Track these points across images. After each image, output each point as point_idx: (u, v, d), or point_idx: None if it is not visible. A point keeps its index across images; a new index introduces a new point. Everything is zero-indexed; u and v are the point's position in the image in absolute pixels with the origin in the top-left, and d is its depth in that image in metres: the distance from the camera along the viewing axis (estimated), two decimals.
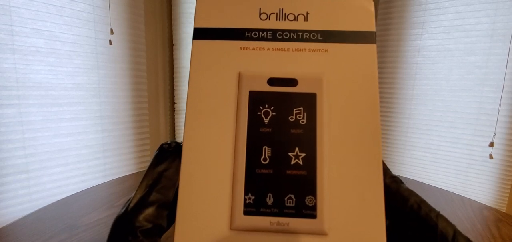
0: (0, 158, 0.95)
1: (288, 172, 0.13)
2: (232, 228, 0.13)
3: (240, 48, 0.14)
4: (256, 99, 0.14)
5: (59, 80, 1.05)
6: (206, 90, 0.14)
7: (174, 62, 1.38)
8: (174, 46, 1.37)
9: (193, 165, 0.14)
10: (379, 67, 1.43)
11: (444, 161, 1.29)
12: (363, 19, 0.15)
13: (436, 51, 1.26)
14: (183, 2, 1.31)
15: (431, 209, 0.14)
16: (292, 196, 0.13)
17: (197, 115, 0.14)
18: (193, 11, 1.30)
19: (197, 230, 0.13)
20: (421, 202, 0.14)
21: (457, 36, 1.21)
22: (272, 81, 0.14)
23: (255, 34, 0.15)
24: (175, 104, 1.42)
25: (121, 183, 0.75)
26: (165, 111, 1.47)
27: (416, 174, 1.36)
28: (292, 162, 0.14)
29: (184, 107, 1.53)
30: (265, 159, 0.14)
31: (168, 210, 0.14)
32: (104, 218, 0.56)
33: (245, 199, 0.13)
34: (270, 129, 0.14)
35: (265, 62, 0.14)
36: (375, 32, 0.15)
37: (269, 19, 0.15)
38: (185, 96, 1.25)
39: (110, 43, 1.15)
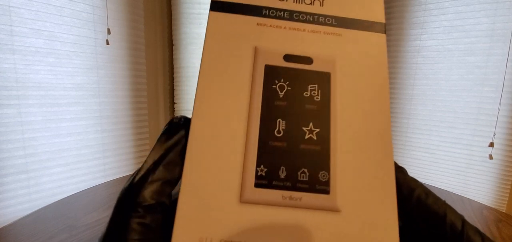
0: (0, 158, 0.95)
1: (302, 146, 0.13)
2: (242, 200, 0.12)
3: (257, 24, 0.14)
4: (272, 73, 0.14)
5: (58, 81, 1.05)
6: (220, 60, 0.14)
7: (174, 62, 1.38)
8: (174, 46, 1.37)
9: (202, 133, 0.13)
10: None
11: (444, 161, 1.29)
12: (374, 10, 0.15)
13: (436, 51, 1.26)
14: (183, 2, 1.31)
15: (438, 199, 0.14)
16: (305, 170, 0.13)
17: (210, 84, 0.13)
18: (193, 11, 1.28)
19: (203, 201, 0.12)
20: (428, 192, 0.14)
21: (457, 36, 1.21)
22: (288, 57, 0.14)
23: (272, 13, 0.15)
24: (175, 105, 1.42)
25: (121, 183, 0.75)
26: (165, 111, 1.47)
27: (416, 174, 1.37)
28: (306, 137, 0.13)
29: (184, 108, 1.51)
30: (279, 132, 0.13)
31: (173, 188, 0.13)
32: (104, 218, 0.56)
33: (257, 171, 0.13)
34: (285, 103, 0.14)
35: (281, 40, 0.14)
36: (385, 23, 0.15)
37: (287, 0, 0.15)
38: (185, 96, 1.24)
39: (107, 42, 1.15)
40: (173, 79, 1.41)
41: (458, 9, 1.20)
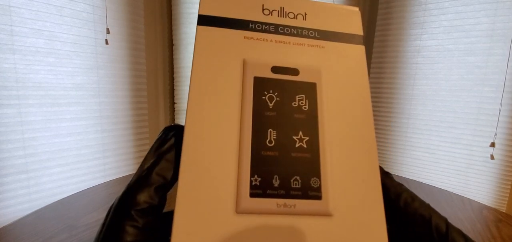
0: (0, 158, 0.95)
1: (293, 154, 0.14)
2: (238, 211, 0.12)
3: (245, 37, 0.15)
4: (261, 84, 0.14)
5: (58, 80, 1.05)
6: (210, 73, 0.14)
7: (174, 62, 1.38)
8: (174, 46, 1.37)
9: (195, 145, 0.13)
10: (379, 67, 1.43)
11: (444, 161, 1.29)
12: (353, 23, 0.17)
13: (436, 51, 1.26)
14: (183, 2, 1.31)
15: (423, 203, 0.15)
16: (298, 177, 0.13)
17: (201, 97, 0.14)
18: (193, 11, 1.28)
19: (199, 213, 0.12)
20: (414, 197, 0.15)
21: (457, 36, 1.21)
22: (275, 69, 0.15)
23: (258, 26, 0.15)
24: (175, 104, 1.42)
25: (120, 183, 0.75)
26: (165, 111, 1.47)
27: (416, 174, 1.36)
28: (297, 145, 0.14)
29: (184, 108, 1.51)
30: (270, 141, 0.14)
31: (165, 192, 0.13)
32: (104, 218, 0.56)
33: (251, 181, 0.13)
34: (275, 113, 0.14)
35: (268, 52, 0.15)
36: (363, 36, 0.17)
37: (271, 15, 0.16)
38: (185, 96, 1.24)
39: (107, 42, 1.15)
40: (173, 79, 1.41)
41: (458, 9, 1.20)
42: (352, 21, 0.17)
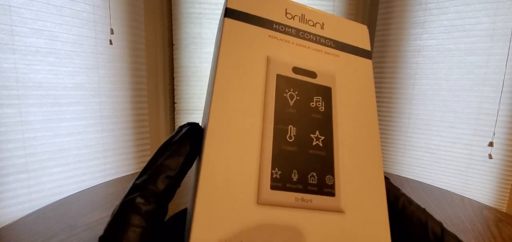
0: (0, 158, 0.95)
1: (311, 151, 0.14)
2: (259, 202, 0.13)
3: (269, 36, 0.16)
4: (283, 82, 0.15)
5: (59, 80, 1.05)
6: (236, 65, 0.15)
7: (174, 62, 1.38)
8: (174, 46, 1.37)
9: (219, 135, 0.13)
10: (379, 67, 1.43)
11: (444, 161, 1.29)
12: (362, 38, 0.18)
13: (436, 51, 1.26)
14: (183, 1, 1.31)
15: (419, 207, 0.15)
16: (314, 174, 0.14)
17: (226, 87, 0.14)
18: (194, 10, 1.27)
19: (221, 202, 0.12)
20: (411, 200, 0.16)
21: (457, 36, 1.21)
22: (296, 70, 0.16)
23: (281, 28, 0.16)
24: (175, 104, 1.42)
25: (121, 183, 0.75)
26: (165, 111, 1.47)
27: (416, 174, 1.36)
28: (314, 143, 0.15)
29: (184, 107, 1.50)
30: (290, 137, 0.14)
31: (172, 183, 0.14)
32: (104, 218, 0.56)
33: (272, 173, 0.13)
34: (295, 110, 0.15)
35: (289, 53, 0.16)
36: (370, 51, 0.18)
37: (293, 19, 0.17)
38: (185, 96, 1.23)
39: (111, 43, 1.15)
40: (173, 79, 1.41)
41: (459, 8, 1.20)
42: (362, 37, 0.18)
